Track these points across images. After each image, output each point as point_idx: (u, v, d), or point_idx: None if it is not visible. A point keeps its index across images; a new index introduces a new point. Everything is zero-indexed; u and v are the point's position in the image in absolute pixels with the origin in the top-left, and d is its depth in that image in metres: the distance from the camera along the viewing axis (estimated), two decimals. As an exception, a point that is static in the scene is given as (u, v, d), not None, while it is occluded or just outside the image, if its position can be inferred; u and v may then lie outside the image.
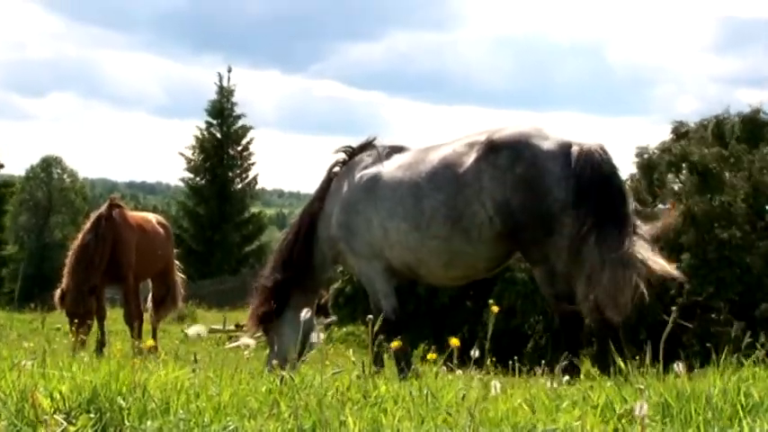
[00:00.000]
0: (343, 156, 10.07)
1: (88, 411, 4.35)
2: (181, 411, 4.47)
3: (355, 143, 10.12)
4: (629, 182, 21.81)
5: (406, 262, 9.34)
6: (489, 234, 8.71)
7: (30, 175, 74.02)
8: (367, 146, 9.96)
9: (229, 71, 58.91)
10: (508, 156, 8.52)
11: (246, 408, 4.77)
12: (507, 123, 9.14)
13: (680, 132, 23.27)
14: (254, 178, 55.86)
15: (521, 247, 8.74)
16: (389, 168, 9.44)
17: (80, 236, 16.32)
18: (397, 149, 9.73)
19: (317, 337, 6.35)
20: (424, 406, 4.79)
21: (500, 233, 8.65)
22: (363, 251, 9.56)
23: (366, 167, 9.66)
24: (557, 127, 11.12)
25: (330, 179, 10.04)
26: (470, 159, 8.77)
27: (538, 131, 8.67)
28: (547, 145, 8.45)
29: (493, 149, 8.64)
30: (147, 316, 18.32)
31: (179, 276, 19.20)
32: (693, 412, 4.65)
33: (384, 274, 9.62)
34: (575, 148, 8.40)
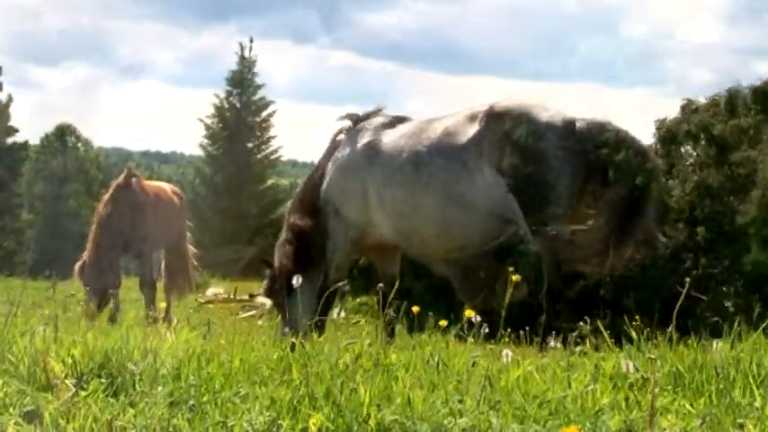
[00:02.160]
0: (348, 123, 10.11)
1: (99, 376, 4.36)
2: (192, 377, 4.48)
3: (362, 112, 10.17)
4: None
5: (400, 231, 9.36)
6: (485, 201, 8.75)
7: (44, 143, 73.99)
8: (372, 114, 10.01)
9: (251, 41, 58.57)
10: (508, 123, 8.60)
11: (258, 374, 4.78)
12: (512, 96, 9.24)
13: (689, 110, 23.03)
14: (276, 150, 55.69)
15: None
16: (392, 137, 9.50)
17: (101, 206, 16.38)
18: (401, 119, 9.80)
19: (338, 314, 6.40)
20: (436, 373, 4.79)
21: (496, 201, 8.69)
22: (351, 217, 9.63)
23: (369, 135, 9.69)
24: (564, 101, 11.16)
25: (335, 147, 10.08)
26: (472, 127, 8.84)
27: (540, 103, 8.80)
28: (547, 116, 8.55)
29: (494, 117, 8.75)
30: (160, 285, 18.37)
31: (191, 246, 19.24)
32: (705, 382, 4.65)
33: (350, 247, 9.82)
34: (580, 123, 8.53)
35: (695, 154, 22.11)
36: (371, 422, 3.78)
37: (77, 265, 15.70)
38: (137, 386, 4.34)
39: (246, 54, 55.87)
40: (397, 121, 9.83)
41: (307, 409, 3.92)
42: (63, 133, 74.78)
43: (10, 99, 58.19)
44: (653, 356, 4.14)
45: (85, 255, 15.72)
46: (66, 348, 4.76)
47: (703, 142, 21.31)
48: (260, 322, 13.16)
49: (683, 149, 22.29)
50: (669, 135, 22.03)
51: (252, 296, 25.35)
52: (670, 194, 20.99)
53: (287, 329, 9.13)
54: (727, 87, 22.72)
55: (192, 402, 4.11)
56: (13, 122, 58.44)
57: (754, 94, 22.26)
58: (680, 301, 5.04)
